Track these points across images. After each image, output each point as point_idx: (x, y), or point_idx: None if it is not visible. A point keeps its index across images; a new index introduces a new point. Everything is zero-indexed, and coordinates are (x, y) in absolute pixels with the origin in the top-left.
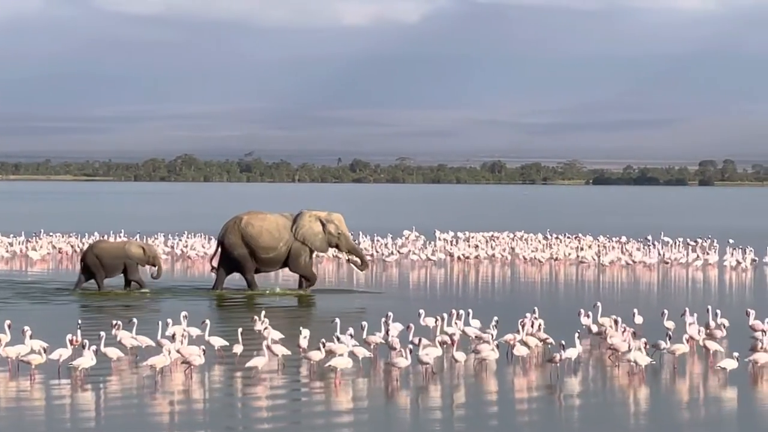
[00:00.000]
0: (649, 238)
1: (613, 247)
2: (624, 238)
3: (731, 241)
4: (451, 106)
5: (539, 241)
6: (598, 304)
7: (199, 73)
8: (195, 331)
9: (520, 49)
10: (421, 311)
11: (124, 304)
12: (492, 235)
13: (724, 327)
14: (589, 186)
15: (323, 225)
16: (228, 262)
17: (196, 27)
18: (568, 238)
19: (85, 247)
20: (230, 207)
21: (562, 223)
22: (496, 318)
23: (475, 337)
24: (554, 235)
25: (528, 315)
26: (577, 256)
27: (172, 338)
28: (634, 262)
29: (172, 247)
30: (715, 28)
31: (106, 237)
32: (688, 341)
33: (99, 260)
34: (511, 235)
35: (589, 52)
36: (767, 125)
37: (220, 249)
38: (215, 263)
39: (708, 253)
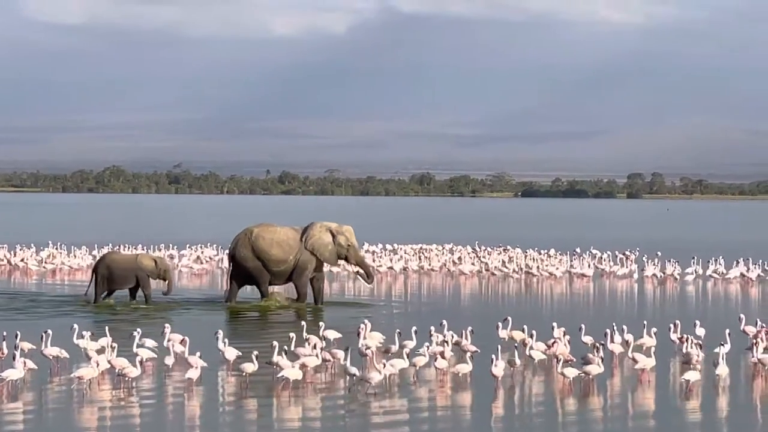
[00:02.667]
0: (578, 250)
1: (542, 259)
2: (552, 251)
3: (659, 253)
4: (379, 117)
5: (468, 253)
6: (509, 318)
7: (128, 84)
8: (152, 343)
9: (447, 60)
10: (444, 322)
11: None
12: (421, 248)
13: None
14: (518, 198)
15: (333, 236)
16: (240, 275)
17: (123, 36)
18: (497, 249)
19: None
20: (159, 218)
21: (491, 236)
22: (470, 328)
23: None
24: (483, 247)
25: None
26: (521, 268)
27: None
28: (570, 273)
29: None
30: (641, 41)
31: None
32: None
33: (110, 272)
34: (440, 248)
35: (516, 63)
36: (695, 138)
37: (231, 263)
38: (228, 277)
39: (647, 266)
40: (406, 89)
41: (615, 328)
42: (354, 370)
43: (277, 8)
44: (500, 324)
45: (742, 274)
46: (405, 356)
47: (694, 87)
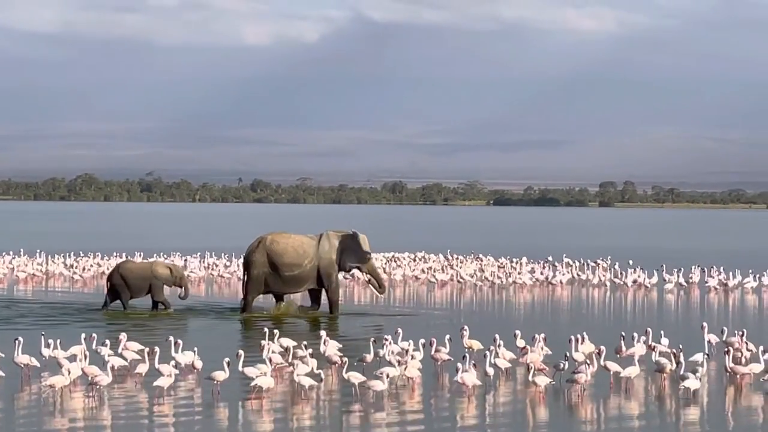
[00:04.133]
0: (550, 258)
1: (514, 267)
2: (525, 259)
3: (631, 262)
4: (352, 126)
5: (439, 262)
6: (466, 327)
7: (100, 91)
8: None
9: (419, 69)
10: (465, 330)
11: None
12: (393, 256)
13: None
14: (490, 207)
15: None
16: (256, 282)
17: (95, 45)
18: (469, 258)
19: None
20: (133, 226)
21: (463, 244)
22: (448, 336)
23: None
24: (455, 256)
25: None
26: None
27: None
28: (547, 281)
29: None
30: (614, 49)
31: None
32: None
33: (124, 280)
34: (412, 256)
35: (488, 71)
36: (667, 147)
37: (245, 269)
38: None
39: (624, 274)
40: (379, 98)
41: (582, 336)
42: (306, 381)
43: (248, 16)
44: (465, 332)
45: (721, 282)
46: (397, 364)
47: (665, 95)
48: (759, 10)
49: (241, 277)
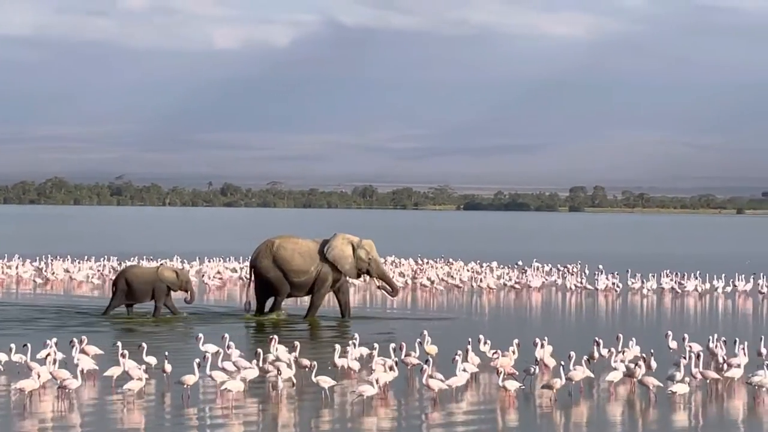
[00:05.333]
0: (520, 263)
1: (485, 272)
2: (495, 264)
3: (601, 267)
4: (322, 130)
5: (410, 266)
6: (425, 332)
7: (70, 95)
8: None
9: (389, 74)
10: (481, 336)
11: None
12: None
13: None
14: (460, 211)
15: (354, 250)
16: (263, 286)
17: (65, 48)
18: (440, 262)
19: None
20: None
21: (434, 248)
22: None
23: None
24: (425, 260)
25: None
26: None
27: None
28: (518, 284)
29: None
30: (584, 54)
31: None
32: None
33: (129, 285)
34: (382, 260)
35: (458, 76)
36: (637, 152)
37: (253, 273)
38: (251, 291)
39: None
40: (349, 102)
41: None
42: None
43: (218, 21)
44: (428, 339)
45: (696, 288)
46: (388, 369)
47: (635, 100)
48: (729, 15)
49: (246, 281)
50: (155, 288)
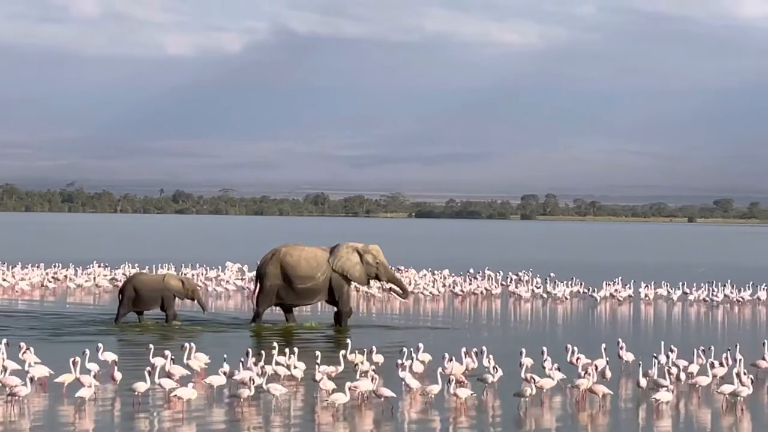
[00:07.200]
0: (471, 270)
1: (435, 279)
2: (446, 271)
3: (552, 274)
4: (274, 137)
5: None
6: (347, 340)
7: (21, 102)
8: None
9: (340, 81)
10: (484, 348)
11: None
12: None
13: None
14: (412, 219)
15: (360, 256)
16: (269, 294)
17: (17, 55)
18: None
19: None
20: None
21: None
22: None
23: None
24: None
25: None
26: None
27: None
28: (463, 292)
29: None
30: (536, 62)
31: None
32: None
33: (137, 293)
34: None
35: (410, 84)
36: (588, 160)
37: (259, 282)
38: (254, 297)
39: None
40: (301, 109)
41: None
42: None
43: (170, 28)
44: (348, 345)
45: (646, 296)
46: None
47: (587, 108)
48: (678, 23)
49: (252, 288)
50: (164, 296)
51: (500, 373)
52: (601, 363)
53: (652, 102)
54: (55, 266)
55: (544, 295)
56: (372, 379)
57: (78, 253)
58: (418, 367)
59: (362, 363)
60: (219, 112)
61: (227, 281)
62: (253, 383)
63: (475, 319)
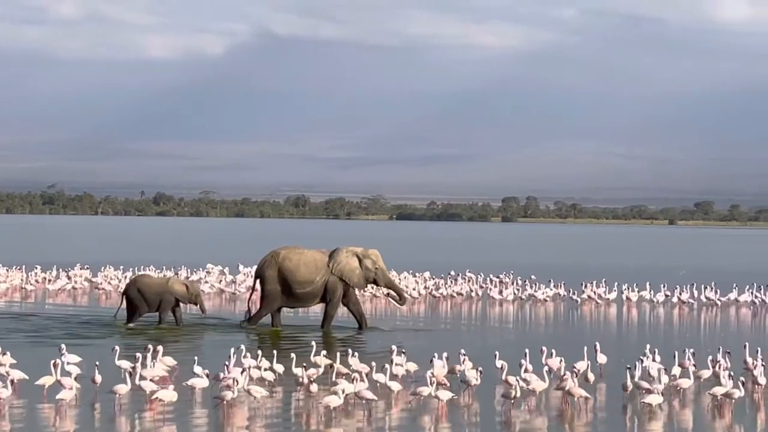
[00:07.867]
0: (452, 273)
1: (418, 281)
2: (428, 273)
3: (533, 277)
4: (255, 139)
5: None
6: (313, 343)
7: (2, 104)
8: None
9: (322, 83)
10: (497, 352)
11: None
12: None
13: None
14: (393, 221)
15: (360, 260)
16: (272, 297)
17: None
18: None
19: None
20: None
21: None
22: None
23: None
24: None
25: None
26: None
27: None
28: (442, 294)
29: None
30: (517, 65)
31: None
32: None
33: (141, 295)
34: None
35: (391, 86)
36: (569, 163)
37: (258, 285)
38: (253, 301)
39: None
40: (282, 111)
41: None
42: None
43: (151, 30)
44: (313, 348)
45: (628, 298)
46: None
47: (568, 111)
48: (661, 26)
49: (251, 291)
50: (162, 300)
51: (480, 374)
52: (582, 365)
53: (633, 105)
54: (35, 268)
55: (524, 297)
56: (353, 380)
57: (59, 255)
58: (399, 370)
59: (332, 366)
60: (200, 114)
61: (212, 285)
62: (236, 384)
63: (456, 322)
